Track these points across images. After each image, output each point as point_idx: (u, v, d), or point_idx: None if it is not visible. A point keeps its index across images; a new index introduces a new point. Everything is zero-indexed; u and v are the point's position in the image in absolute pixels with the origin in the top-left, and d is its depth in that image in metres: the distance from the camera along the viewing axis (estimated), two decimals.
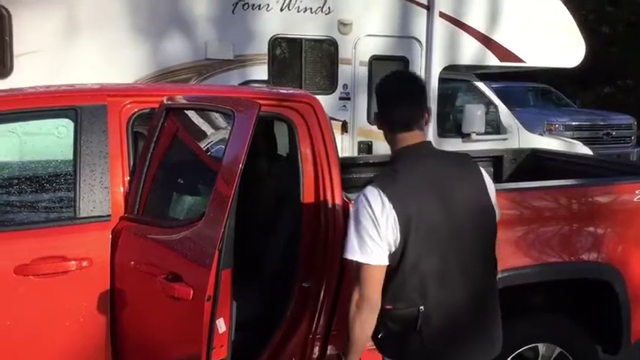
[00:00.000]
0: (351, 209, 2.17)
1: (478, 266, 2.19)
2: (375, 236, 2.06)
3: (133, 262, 2.59)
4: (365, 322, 2.11)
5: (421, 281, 2.10)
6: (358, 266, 2.10)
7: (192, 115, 2.95)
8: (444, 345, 2.15)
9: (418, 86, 2.26)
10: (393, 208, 2.06)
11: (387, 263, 2.08)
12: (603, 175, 3.92)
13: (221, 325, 2.22)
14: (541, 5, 7.09)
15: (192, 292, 2.22)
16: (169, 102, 2.78)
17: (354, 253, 2.09)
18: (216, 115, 2.83)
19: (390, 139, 2.24)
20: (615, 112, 11.65)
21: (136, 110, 2.83)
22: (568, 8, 7.38)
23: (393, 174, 2.14)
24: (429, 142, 2.27)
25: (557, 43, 7.16)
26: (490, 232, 2.26)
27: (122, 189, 2.76)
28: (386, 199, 2.07)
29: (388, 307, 2.13)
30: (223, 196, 2.24)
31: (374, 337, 2.20)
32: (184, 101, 2.83)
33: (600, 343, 3.39)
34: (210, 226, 2.25)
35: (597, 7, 14.37)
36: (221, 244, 2.18)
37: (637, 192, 3.34)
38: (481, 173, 2.27)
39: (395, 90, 2.24)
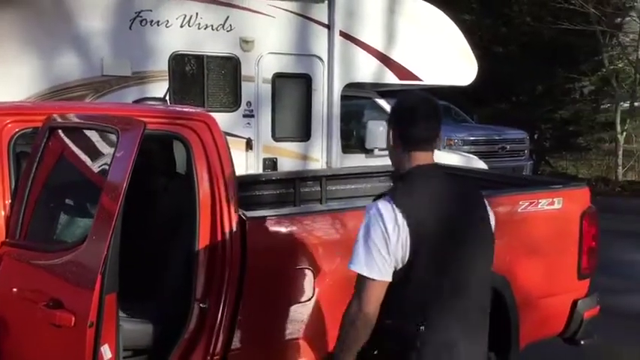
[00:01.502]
0: (363, 222, 2.08)
1: (479, 292, 2.19)
2: (383, 251, 2.02)
3: (15, 289, 2.46)
4: (359, 337, 2.06)
5: (424, 300, 2.06)
6: (361, 279, 2.04)
7: (83, 134, 2.85)
8: None
9: (438, 108, 2.23)
10: (407, 225, 2.02)
11: (390, 280, 2.04)
12: (492, 187, 4.12)
13: (106, 351, 2.14)
14: (436, 27, 7.41)
15: (73, 318, 2.13)
16: (53, 121, 2.67)
17: (360, 265, 2.03)
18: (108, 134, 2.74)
19: (401, 156, 2.17)
20: (510, 127, 12.30)
21: (17, 130, 2.70)
22: (464, 29, 7.77)
23: (408, 191, 2.10)
24: (440, 165, 2.26)
25: (452, 63, 7.50)
26: (491, 260, 2.27)
27: (3, 212, 2.62)
28: (400, 215, 2.02)
29: (388, 321, 2.06)
30: (107, 215, 2.17)
31: (365, 354, 2.11)
32: (69, 119, 2.72)
33: (491, 349, 3.52)
34: (93, 247, 2.17)
35: (491, 28, 15.16)
36: (104, 266, 2.10)
37: (520, 203, 3.53)
38: (485, 203, 2.29)
39: (420, 107, 2.19)
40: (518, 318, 3.43)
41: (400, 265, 2.04)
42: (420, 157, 2.15)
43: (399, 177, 2.17)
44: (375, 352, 2.09)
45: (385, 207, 2.04)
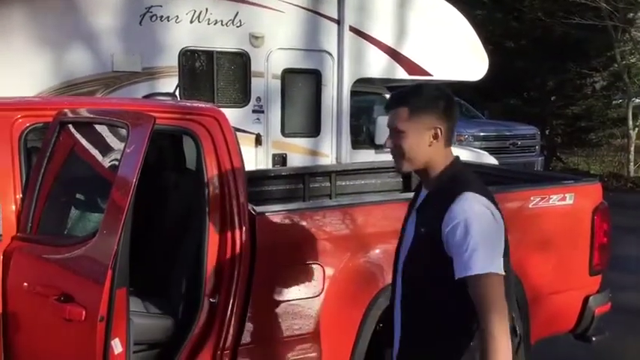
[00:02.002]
0: (468, 220, 1.88)
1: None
2: (501, 244, 1.93)
3: (26, 284, 2.47)
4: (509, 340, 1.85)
5: (510, 287, 1.98)
6: (494, 280, 1.85)
7: (93, 128, 2.86)
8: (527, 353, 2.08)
9: None
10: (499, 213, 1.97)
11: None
12: (503, 183, 4.10)
13: (117, 345, 2.15)
14: (447, 22, 7.37)
15: (84, 312, 2.14)
16: (63, 115, 2.68)
17: (488, 266, 1.85)
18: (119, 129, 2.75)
19: (442, 152, 2.03)
20: (521, 122, 12.22)
21: (28, 125, 2.72)
22: (475, 24, 7.72)
23: (480, 185, 2.01)
24: None
25: (462, 58, 7.46)
26: None
27: (14, 207, 2.63)
28: (493, 205, 1.96)
29: None
30: (117, 210, 2.18)
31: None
32: (79, 114, 2.73)
33: None
34: (103, 242, 2.18)
35: (503, 22, 15.07)
36: (114, 261, 2.11)
37: (532, 198, 3.51)
38: None
39: (455, 103, 2.09)
40: (528, 314, 3.41)
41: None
42: (451, 151, 2.06)
43: (449, 174, 2.02)
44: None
45: (483, 199, 1.93)
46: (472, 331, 1.92)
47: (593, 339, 3.81)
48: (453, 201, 1.91)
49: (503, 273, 1.89)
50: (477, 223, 1.88)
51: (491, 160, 8.11)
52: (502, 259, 1.91)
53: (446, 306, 1.96)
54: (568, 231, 3.64)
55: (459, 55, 7.41)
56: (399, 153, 2.04)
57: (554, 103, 15.30)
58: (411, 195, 3.71)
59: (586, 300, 3.72)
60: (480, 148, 9.58)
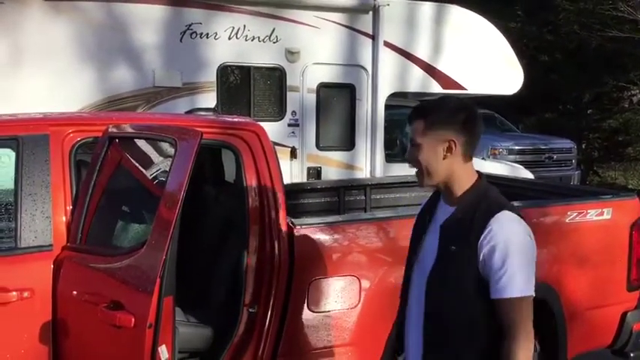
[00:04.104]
0: (509, 240, 1.87)
1: None
2: (535, 266, 1.93)
3: (75, 292, 2.57)
4: None
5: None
6: (528, 304, 1.87)
7: (139, 143, 2.97)
8: None
9: None
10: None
11: None
12: (539, 197, 4.10)
13: (163, 352, 2.23)
14: (482, 36, 7.39)
15: (133, 319, 2.22)
16: (112, 131, 2.80)
17: (525, 289, 1.86)
18: (165, 143, 2.86)
19: (465, 169, 2.00)
20: (556, 136, 12.09)
21: (78, 139, 2.83)
22: (509, 38, 7.72)
23: (508, 201, 2.00)
24: None
25: (497, 72, 7.46)
26: None
27: (64, 218, 2.75)
28: (529, 228, 1.95)
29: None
30: (165, 223, 2.26)
31: None
32: (128, 130, 2.85)
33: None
34: (151, 253, 2.27)
35: (537, 35, 14.97)
36: (162, 271, 2.19)
37: (569, 213, 3.51)
38: None
39: (480, 115, 2.06)
40: (566, 329, 3.40)
41: None
42: (474, 167, 2.04)
43: (485, 193, 1.98)
44: None
45: (523, 223, 1.93)
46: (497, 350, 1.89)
47: (631, 355, 3.77)
48: (490, 220, 1.89)
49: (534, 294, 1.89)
50: (518, 245, 1.87)
51: (526, 174, 8.05)
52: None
53: (477, 326, 1.92)
54: (606, 246, 3.62)
55: (493, 68, 7.41)
56: (418, 167, 2.02)
57: (590, 116, 15.09)
58: None
59: (624, 315, 3.69)
60: (516, 162, 9.52)
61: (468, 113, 1.98)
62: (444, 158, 1.97)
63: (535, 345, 2.09)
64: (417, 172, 2.04)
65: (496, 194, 2.00)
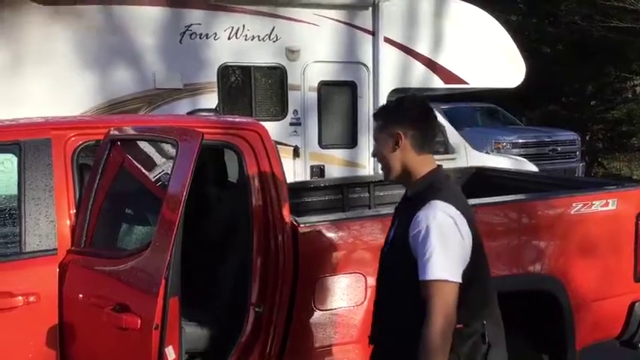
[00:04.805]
0: (429, 226, 2.00)
1: (490, 281, 2.26)
2: (461, 253, 2.02)
3: (81, 295, 2.58)
4: (447, 349, 1.96)
5: (485, 297, 2.13)
6: (444, 287, 1.96)
7: (142, 145, 2.97)
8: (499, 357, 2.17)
9: None
10: (467, 224, 2.06)
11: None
12: (543, 190, 4.08)
13: (170, 352, 2.23)
14: (482, 29, 7.36)
15: (139, 321, 2.23)
16: (114, 133, 2.80)
17: (445, 272, 1.96)
18: (166, 145, 2.86)
19: (416, 159, 2.15)
20: (560, 128, 12.05)
21: (80, 143, 2.84)
22: (510, 30, 7.69)
23: (452, 193, 2.12)
24: None
25: (499, 65, 7.43)
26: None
27: (68, 222, 2.75)
28: (461, 216, 2.04)
29: (459, 326, 2.02)
30: (169, 224, 2.26)
31: None
32: (129, 132, 2.85)
33: (547, 352, 3.50)
34: (156, 254, 2.27)
35: (538, 28, 14.93)
36: (167, 271, 2.20)
37: (574, 205, 3.49)
38: None
39: (432, 111, 2.22)
40: (573, 321, 3.39)
41: (465, 266, 2.04)
42: (433, 160, 2.18)
43: (426, 182, 2.12)
44: None
45: (450, 208, 2.03)
46: None
47: None
48: (421, 208, 2.03)
49: (458, 281, 1.98)
50: (437, 230, 1.98)
51: (530, 167, 8.03)
52: (461, 268, 2.00)
53: (417, 308, 2.00)
54: (611, 237, 3.60)
55: (495, 62, 7.39)
56: (380, 162, 2.23)
57: (593, 107, 15.04)
58: None
59: (632, 306, 3.66)
60: (519, 155, 9.49)
61: (416, 109, 2.18)
62: (393, 151, 2.15)
63: (486, 338, 2.09)
64: (381, 168, 2.25)
65: (441, 185, 2.12)
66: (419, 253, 2.01)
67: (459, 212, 2.03)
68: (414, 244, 2.03)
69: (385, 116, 2.21)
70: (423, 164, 2.15)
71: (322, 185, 5.13)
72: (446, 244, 1.99)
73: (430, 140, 2.18)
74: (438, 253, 1.97)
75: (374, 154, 2.29)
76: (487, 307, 2.15)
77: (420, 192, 2.11)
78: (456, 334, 2.00)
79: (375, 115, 2.27)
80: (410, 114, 2.16)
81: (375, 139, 2.22)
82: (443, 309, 1.95)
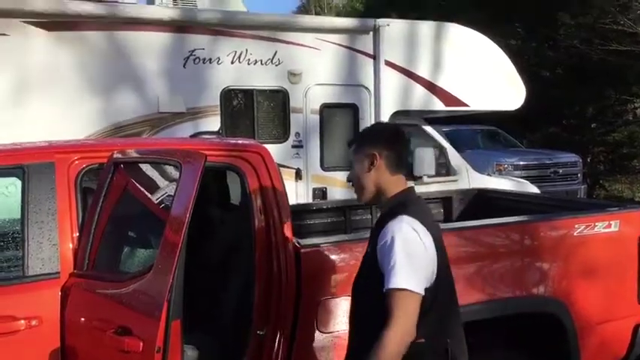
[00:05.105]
0: (394, 238, 2.07)
1: (456, 302, 2.32)
2: (423, 265, 2.07)
3: (83, 319, 2.57)
4: (402, 353, 2.02)
5: (447, 313, 2.18)
6: (405, 297, 2.02)
7: (145, 168, 2.99)
8: None
9: None
10: (432, 239, 2.12)
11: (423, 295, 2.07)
12: (546, 211, 4.08)
13: None
14: (482, 53, 7.43)
15: (142, 344, 2.22)
16: (117, 156, 2.82)
17: (406, 282, 2.02)
18: (169, 167, 2.87)
19: (389, 180, 2.24)
20: (561, 150, 12.08)
21: (84, 166, 2.85)
22: (510, 54, 7.76)
23: (419, 210, 2.19)
24: None
25: (499, 88, 7.48)
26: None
27: (71, 245, 2.76)
28: (427, 231, 2.11)
29: (420, 340, 2.07)
30: (171, 246, 2.27)
31: None
32: (132, 155, 2.86)
33: None
34: (158, 277, 2.27)
35: (538, 52, 15.03)
36: (170, 294, 2.19)
37: (576, 226, 3.49)
38: None
39: (404, 134, 2.32)
40: (578, 344, 3.37)
41: (430, 282, 2.10)
42: (405, 181, 2.27)
43: (397, 201, 2.20)
44: None
45: (415, 223, 2.10)
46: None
47: None
48: (389, 222, 2.12)
49: (421, 293, 2.04)
50: (400, 242, 2.06)
51: (532, 188, 8.03)
52: (424, 281, 2.06)
53: (379, 314, 2.06)
54: (614, 258, 3.60)
55: (495, 85, 7.45)
56: (354, 185, 2.32)
57: (594, 130, 15.07)
58: (452, 225, 3.75)
59: (636, 328, 3.65)
60: (521, 178, 9.50)
61: (389, 132, 2.31)
62: (368, 171, 2.25)
63: (449, 353, 2.15)
64: (355, 191, 2.34)
65: (410, 203, 2.20)
66: (384, 263, 2.08)
67: (424, 228, 2.10)
68: (380, 255, 2.11)
69: (360, 139, 2.33)
70: (396, 184, 2.24)
71: (324, 207, 5.13)
72: (409, 255, 2.05)
73: (403, 161, 2.27)
74: (401, 264, 2.04)
75: (349, 179, 2.37)
76: (451, 325, 2.20)
77: (391, 208, 2.19)
78: (418, 347, 2.06)
79: (349, 142, 2.37)
80: (383, 135, 2.28)
81: (351, 162, 2.31)
82: (403, 318, 2.01)
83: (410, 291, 2.02)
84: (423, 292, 2.05)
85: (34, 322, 2.57)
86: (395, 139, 2.27)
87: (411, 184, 2.31)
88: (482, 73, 7.36)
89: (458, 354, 2.18)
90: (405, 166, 2.29)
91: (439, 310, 2.12)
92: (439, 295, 2.12)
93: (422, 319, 2.05)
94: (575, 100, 14.44)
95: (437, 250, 2.13)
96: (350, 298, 2.38)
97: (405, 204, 2.18)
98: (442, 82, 7.22)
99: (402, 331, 2.01)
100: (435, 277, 2.11)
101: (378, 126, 2.39)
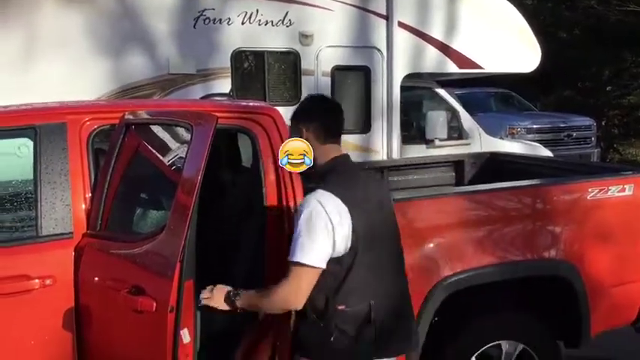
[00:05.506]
0: (301, 212, 2.23)
1: (398, 265, 2.45)
2: (327, 240, 2.17)
3: (96, 278, 2.60)
4: (275, 312, 2.31)
5: (368, 277, 2.26)
6: (301, 269, 2.18)
7: (156, 129, 2.97)
8: (390, 334, 2.32)
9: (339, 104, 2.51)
10: (349, 213, 2.19)
11: (325, 267, 2.19)
12: (559, 175, 4.04)
13: (185, 335, 2.24)
14: (497, 13, 7.29)
15: (155, 304, 2.24)
16: (129, 117, 2.80)
17: (303, 255, 2.16)
18: (180, 129, 2.86)
19: (321, 150, 2.35)
20: (575, 114, 11.93)
21: (95, 127, 2.84)
22: (525, 14, 7.60)
23: (341, 181, 2.28)
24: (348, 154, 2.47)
25: (514, 50, 7.36)
26: (399, 236, 2.49)
27: (84, 206, 2.76)
28: (341, 204, 2.19)
29: (340, 307, 2.22)
30: (183, 207, 2.27)
31: (322, 346, 2.25)
32: (144, 116, 2.85)
33: (562, 338, 3.49)
34: (171, 238, 2.28)
35: (554, 12, 14.74)
36: (182, 255, 2.20)
37: (590, 190, 3.46)
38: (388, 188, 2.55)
39: (327, 101, 2.49)
40: (588, 307, 3.37)
41: (342, 252, 2.20)
42: (335, 149, 2.37)
43: (324, 169, 2.31)
44: (332, 339, 2.23)
45: (326, 197, 2.19)
46: (322, 311, 2.23)
47: None
48: (306, 195, 2.27)
49: (318, 266, 2.16)
50: (305, 216, 2.18)
51: (545, 152, 7.97)
52: (324, 254, 2.17)
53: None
54: (628, 222, 3.57)
55: (510, 46, 7.32)
56: None
57: (609, 93, 14.87)
58: (463, 189, 3.72)
59: None
60: (534, 141, 9.41)
61: (315, 104, 2.43)
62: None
63: (372, 317, 2.27)
64: None
65: (334, 174, 2.29)
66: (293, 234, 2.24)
67: (338, 201, 2.18)
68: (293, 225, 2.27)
69: (293, 115, 2.43)
70: (326, 154, 2.34)
71: None
72: (310, 230, 2.16)
73: (332, 131, 2.37)
74: (302, 237, 2.17)
75: None
76: (375, 290, 2.28)
77: (321, 177, 2.30)
78: (340, 315, 2.21)
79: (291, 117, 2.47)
80: (308, 109, 2.41)
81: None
82: (290, 287, 2.19)
83: (305, 265, 2.15)
84: (322, 266, 2.17)
85: (48, 282, 2.60)
86: (319, 112, 2.39)
87: (344, 151, 2.42)
88: (496, 34, 7.22)
89: (387, 320, 2.28)
90: (334, 134, 2.39)
91: (359, 278, 2.22)
92: (359, 264, 2.21)
93: (339, 288, 2.20)
94: (591, 62, 14.21)
95: (359, 221, 2.20)
96: None
97: (328, 174, 2.29)
98: (456, 44, 7.10)
99: (285, 296, 2.21)
100: (349, 248, 2.20)
101: (305, 100, 2.48)
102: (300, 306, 2.22)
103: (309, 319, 2.27)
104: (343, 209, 2.19)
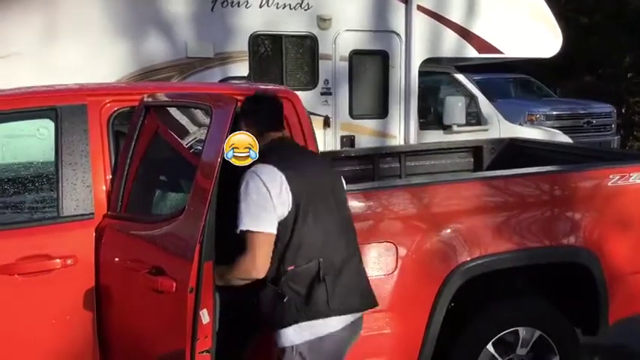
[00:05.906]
0: (241, 185, 2.37)
1: (347, 227, 2.59)
2: (268, 207, 2.32)
3: (117, 259, 2.63)
4: (241, 282, 2.40)
5: (313, 237, 2.40)
6: (252, 236, 2.32)
7: (174, 112, 2.99)
8: (345, 291, 2.44)
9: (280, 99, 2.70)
10: (287, 181, 2.35)
11: (275, 232, 2.34)
12: (579, 161, 4.01)
13: (205, 316, 2.26)
14: None
15: (175, 284, 2.26)
16: (149, 99, 2.82)
17: (250, 223, 2.32)
18: (199, 112, 2.87)
19: (260, 139, 2.46)
20: (595, 100, 11.78)
21: (116, 109, 2.86)
22: None
23: (278, 155, 2.44)
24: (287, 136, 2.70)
25: (535, 34, 7.25)
26: (346, 202, 2.67)
27: (104, 187, 2.79)
28: (279, 173, 2.35)
29: (290, 267, 2.37)
30: (203, 190, 2.28)
31: (274, 304, 2.39)
32: (164, 98, 2.86)
33: (579, 325, 3.47)
34: (191, 219, 2.29)
35: None
36: (202, 236, 2.22)
37: (611, 177, 3.42)
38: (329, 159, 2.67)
39: (262, 100, 2.66)
40: (607, 294, 3.35)
41: (287, 215, 2.35)
42: (273, 134, 2.54)
43: (262, 150, 2.43)
44: (285, 300, 2.36)
45: (261, 168, 2.36)
46: (275, 276, 2.38)
47: None
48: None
49: (267, 231, 2.32)
50: (242, 187, 2.36)
51: (565, 139, 7.89)
52: (269, 220, 2.32)
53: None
54: None
55: (531, 31, 7.21)
56: None
57: (630, 79, 14.64)
58: (481, 174, 3.69)
59: None
60: (553, 128, 9.32)
61: (248, 104, 2.58)
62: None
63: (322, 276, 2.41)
64: None
65: (270, 152, 2.44)
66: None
67: (273, 169, 2.35)
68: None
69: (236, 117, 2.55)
70: (264, 139, 2.49)
71: (353, 155, 5.11)
72: (248, 199, 2.33)
73: (263, 122, 2.52)
74: (242, 207, 2.34)
75: None
76: (321, 249, 2.40)
77: (261, 156, 2.41)
78: (290, 275, 2.36)
79: None
80: (243, 109, 2.54)
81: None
82: (248, 255, 2.33)
83: (252, 232, 2.31)
84: (270, 230, 2.33)
85: (69, 262, 2.63)
86: (250, 109, 2.55)
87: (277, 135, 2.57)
88: (517, 19, 7.12)
89: (338, 275, 2.42)
90: (267, 124, 2.54)
91: (304, 239, 2.37)
92: (301, 225, 2.35)
93: (286, 250, 2.36)
94: (611, 48, 14.00)
95: (297, 185, 2.36)
96: None
97: (266, 152, 2.42)
98: (476, 28, 7.01)
99: (244, 266, 2.35)
100: (290, 211, 2.34)
101: (243, 104, 2.60)
102: (261, 274, 2.35)
103: (267, 287, 2.40)
104: (279, 174, 2.35)
